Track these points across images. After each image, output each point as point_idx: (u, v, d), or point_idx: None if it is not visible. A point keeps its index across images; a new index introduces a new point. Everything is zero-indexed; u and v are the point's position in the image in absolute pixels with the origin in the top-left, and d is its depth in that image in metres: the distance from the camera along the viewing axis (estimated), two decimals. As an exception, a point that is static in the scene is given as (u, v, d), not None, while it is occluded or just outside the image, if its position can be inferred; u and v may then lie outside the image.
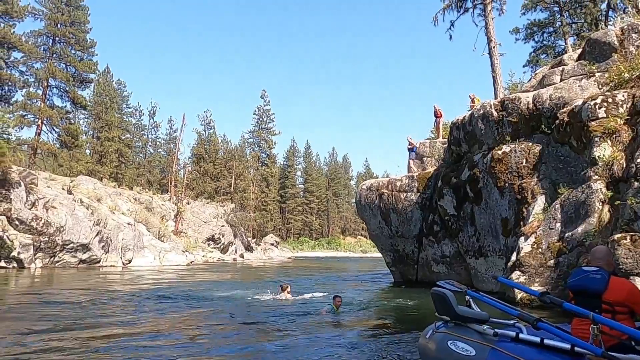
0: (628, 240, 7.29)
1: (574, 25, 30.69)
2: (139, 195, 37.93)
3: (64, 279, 17.30)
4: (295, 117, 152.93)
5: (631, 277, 6.93)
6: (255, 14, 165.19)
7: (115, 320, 7.83)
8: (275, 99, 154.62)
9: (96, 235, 25.25)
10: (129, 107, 65.49)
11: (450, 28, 25.92)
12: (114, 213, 29.56)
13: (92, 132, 56.24)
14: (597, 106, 9.48)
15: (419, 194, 15.73)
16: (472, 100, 16.99)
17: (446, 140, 16.16)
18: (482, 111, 12.89)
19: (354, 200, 32.00)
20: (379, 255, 20.40)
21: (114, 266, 25.66)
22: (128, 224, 29.15)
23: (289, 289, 11.14)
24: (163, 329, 7.13)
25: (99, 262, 25.27)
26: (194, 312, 8.98)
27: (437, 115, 19.49)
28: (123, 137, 56.62)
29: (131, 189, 41.57)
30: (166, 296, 11.41)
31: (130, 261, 27.40)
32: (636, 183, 7.87)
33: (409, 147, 17.76)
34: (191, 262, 31.44)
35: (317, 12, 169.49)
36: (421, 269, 16.24)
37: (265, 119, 76.81)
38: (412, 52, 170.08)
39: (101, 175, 44.39)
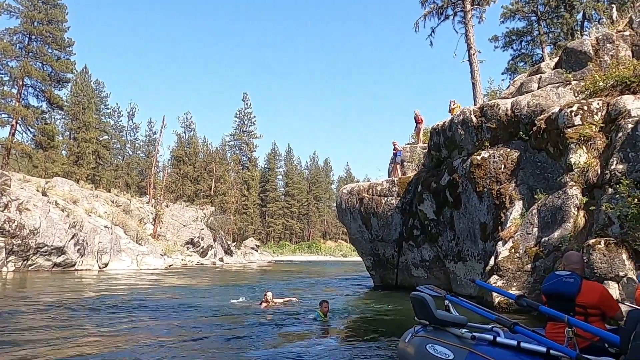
0: (602, 245, 7.43)
1: (551, 35, 31.41)
2: (117, 198, 37.26)
3: (37, 283, 16.85)
4: (276, 121, 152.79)
5: (605, 282, 7.07)
6: (237, 16, 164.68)
7: (84, 330, 7.48)
8: (256, 102, 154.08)
9: (71, 238, 24.69)
10: (108, 108, 64.60)
11: (431, 35, 26.31)
12: (90, 216, 28.96)
13: (68, 133, 55.10)
14: (573, 113, 9.67)
15: (399, 198, 15.82)
16: (452, 106, 17.19)
17: (426, 145, 16.31)
18: (461, 117, 13.04)
19: (334, 204, 32.07)
20: (359, 259, 20.44)
21: (89, 270, 25.12)
22: (105, 226, 28.59)
23: (271, 297, 10.46)
24: (135, 342, 6.41)
25: (74, 265, 24.70)
26: (171, 322, 8.24)
27: (417, 120, 19.66)
28: (101, 139, 55.65)
29: (109, 191, 40.83)
30: (141, 304, 10.84)
31: (106, 265, 26.86)
32: (610, 189, 8.04)
33: (395, 151, 17.87)
34: (170, 266, 30.99)
35: (300, 16, 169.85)
36: (401, 273, 16.31)
37: (246, 122, 76.51)
38: (394, 57, 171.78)
39: (78, 177, 43.55)
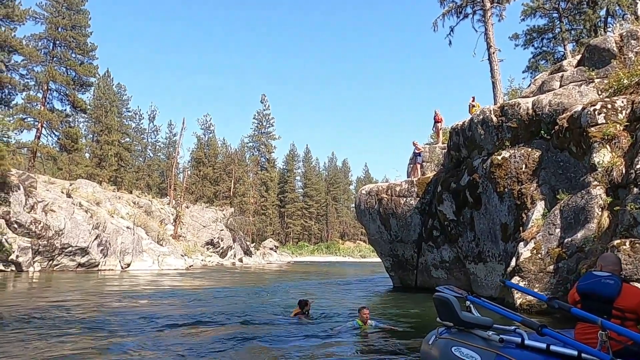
0: (627, 246, 7.29)
1: (573, 32, 30.80)
2: (138, 199, 37.88)
3: (62, 283, 17.26)
4: (295, 122, 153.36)
5: (631, 283, 6.92)
6: (257, 18, 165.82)
7: (113, 329, 7.67)
8: (275, 104, 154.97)
9: (95, 239, 25.20)
10: (129, 111, 65.66)
11: (450, 34, 26.06)
12: (112, 217, 29.52)
13: (91, 136, 56.23)
14: (596, 112, 9.50)
15: (418, 199, 15.73)
16: (472, 105, 17.03)
17: (446, 145, 16.19)
18: (481, 116, 12.92)
19: (353, 205, 32.02)
20: (378, 260, 20.37)
21: (112, 270, 25.61)
22: (127, 227, 29.10)
23: (308, 307, 8.81)
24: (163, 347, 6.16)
25: (97, 266, 25.21)
26: (200, 328, 7.65)
27: (437, 120, 19.53)
28: (122, 141, 56.62)
29: (130, 192, 41.54)
30: (167, 304, 11.02)
31: (129, 265, 27.34)
32: (635, 189, 7.88)
33: (417, 152, 17.75)
34: (190, 267, 31.37)
35: (319, 17, 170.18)
36: (420, 274, 16.22)
37: (264, 124, 76.88)
38: (413, 57, 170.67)
39: (100, 179, 44.34)
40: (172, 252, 32.09)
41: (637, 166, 8.06)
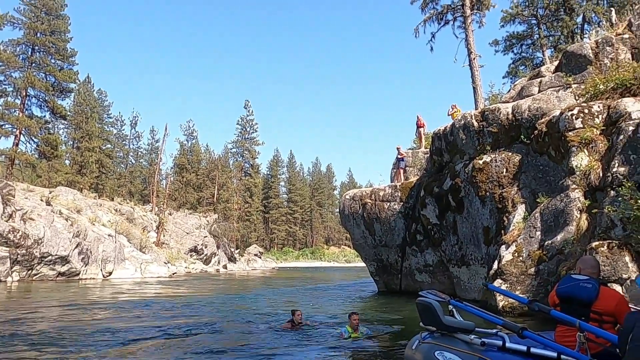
0: (605, 247, 7.44)
1: (551, 38, 31.48)
2: (120, 206, 37.38)
3: (40, 293, 16.90)
4: (278, 127, 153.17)
5: (609, 284, 7.07)
6: (239, 24, 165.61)
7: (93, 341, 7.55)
8: (258, 109, 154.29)
9: (75, 247, 24.76)
10: (110, 117, 64.89)
11: (431, 40, 26.47)
12: (94, 224, 29.05)
13: (72, 142, 55.36)
14: (574, 117, 9.71)
15: (402, 203, 15.84)
16: (452, 111, 17.22)
17: (428, 150, 16.35)
18: (463, 121, 13.09)
19: (337, 210, 32.05)
20: (363, 264, 20.42)
21: (93, 279, 25.18)
22: (109, 235, 28.66)
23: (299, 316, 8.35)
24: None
25: (78, 274, 24.76)
26: (171, 341, 7.26)
27: (419, 125, 19.71)
28: (104, 147, 55.89)
29: (112, 199, 40.96)
30: (149, 314, 10.61)
31: (110, 273, 26.91)
32: (612, 192, 8.06)
33: (399, 157, 17.89)
34: (173, 274, 31.02)
35: (301, 23, 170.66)
36: (405, 278, 16.30)
37: (248, 129, 76.62)
38: (397, 62, 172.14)
39: (81, 186, 43.68)
40: (155, 259, 31.69)
41: (614, 169, 8.25)
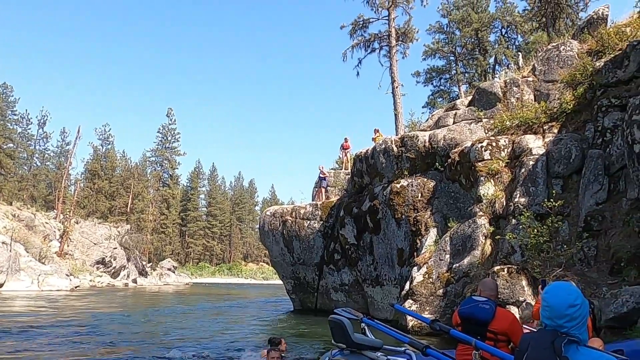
0: (505, 272, 8.02)
1: (466, 74, 33.99)
2: (19, 212, 34.22)
3: None
4: (201, 139, 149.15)
5: (507, 306, 7.60)
6: (165, 28, 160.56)
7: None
8: (181, 118, 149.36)
9: (-39, 254, 22.21)
10: (15, 114, 59.61)
11: (358, 65, 27.42)
12: (-14, 230, 26.30)
13: (-34, 139, 50.13)
14: (483, 149, 10.47)
15: (321, 222, 16.02)
16: (375, 135, 17.85)
17: (350, 171, 16.77)
18: (383, 146, 13.61)
19: (257, 226, 31.71)
20: (280, 282, 20.31)
21: (-19, 290, 22.67)
22: (2, 243, 26.05)
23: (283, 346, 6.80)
24: None
25: (-38, 285, 22.18)
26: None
27: (345, 147, 20.19)
28: (5, 146, 51.16)
29: (10, 204, 37.37)
30: (36, 333, 9.62)
31: (2, 285, 24.38)
32: (514, 220, 8.75)
33: (322, 176, 18.14)
34: (76, 287, 28.80)
35: (229, 33, 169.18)
36: (321, 297, 16.40)
37: (169, 138, 73.90)
38: (322, 85, 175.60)
39: (-26, 188, 39.49)
40: (55, 271, 29.22)
41: (515, 199, 8.97)
